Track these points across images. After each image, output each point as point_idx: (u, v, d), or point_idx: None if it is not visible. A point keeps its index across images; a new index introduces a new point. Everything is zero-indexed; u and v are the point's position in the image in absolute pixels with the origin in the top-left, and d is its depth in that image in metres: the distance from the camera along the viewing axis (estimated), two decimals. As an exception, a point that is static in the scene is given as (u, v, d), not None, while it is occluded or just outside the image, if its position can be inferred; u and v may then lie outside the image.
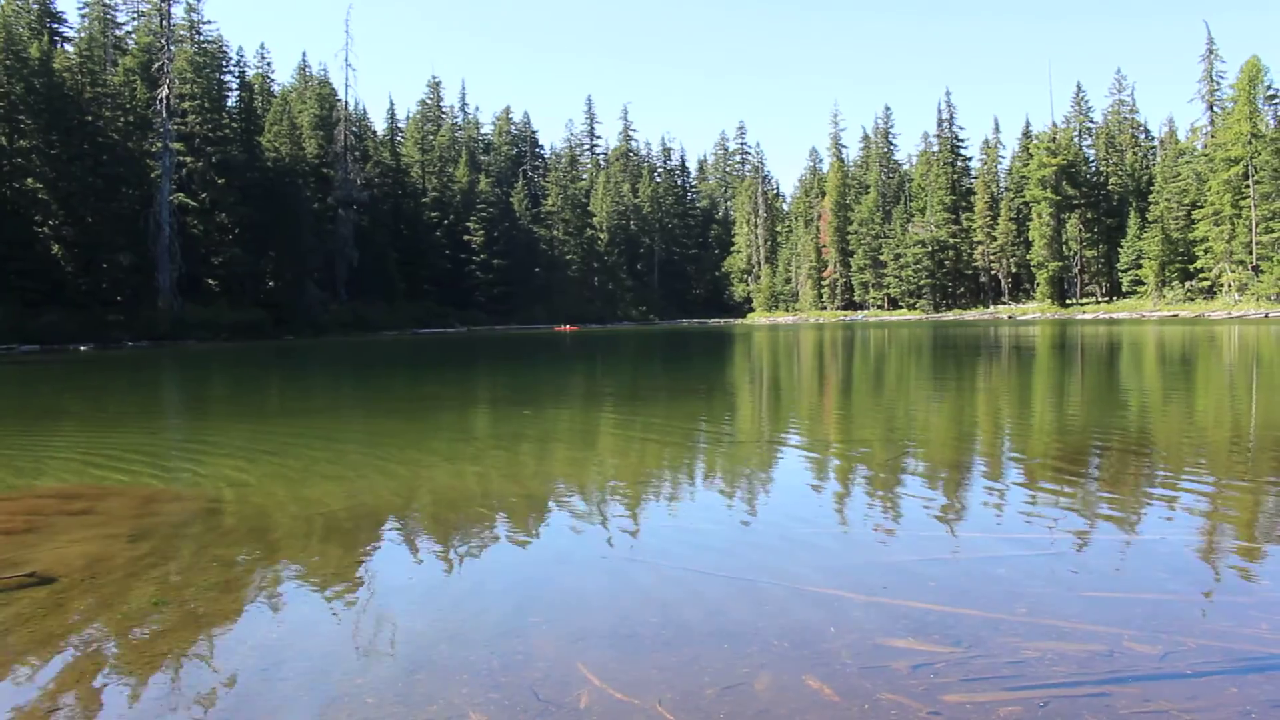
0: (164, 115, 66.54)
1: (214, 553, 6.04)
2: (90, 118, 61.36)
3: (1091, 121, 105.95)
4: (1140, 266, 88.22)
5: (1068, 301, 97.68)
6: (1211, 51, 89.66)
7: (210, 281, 70.00)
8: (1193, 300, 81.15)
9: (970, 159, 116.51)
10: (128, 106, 65.74)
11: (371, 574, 5.58)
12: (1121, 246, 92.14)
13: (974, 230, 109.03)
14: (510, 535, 6.53)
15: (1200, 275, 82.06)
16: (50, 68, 59.76)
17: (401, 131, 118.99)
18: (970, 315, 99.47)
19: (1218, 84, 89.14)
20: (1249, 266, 76.69)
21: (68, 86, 60.45)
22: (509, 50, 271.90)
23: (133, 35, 76.74)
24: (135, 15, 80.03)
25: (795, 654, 4.02)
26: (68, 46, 70.07)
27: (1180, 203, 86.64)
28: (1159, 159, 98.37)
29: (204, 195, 69.21)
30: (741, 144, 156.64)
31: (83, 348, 50.02)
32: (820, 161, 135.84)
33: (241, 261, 69.74)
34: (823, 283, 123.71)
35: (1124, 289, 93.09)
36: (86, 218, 58.80)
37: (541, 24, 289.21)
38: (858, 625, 4.37)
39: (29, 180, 58.10)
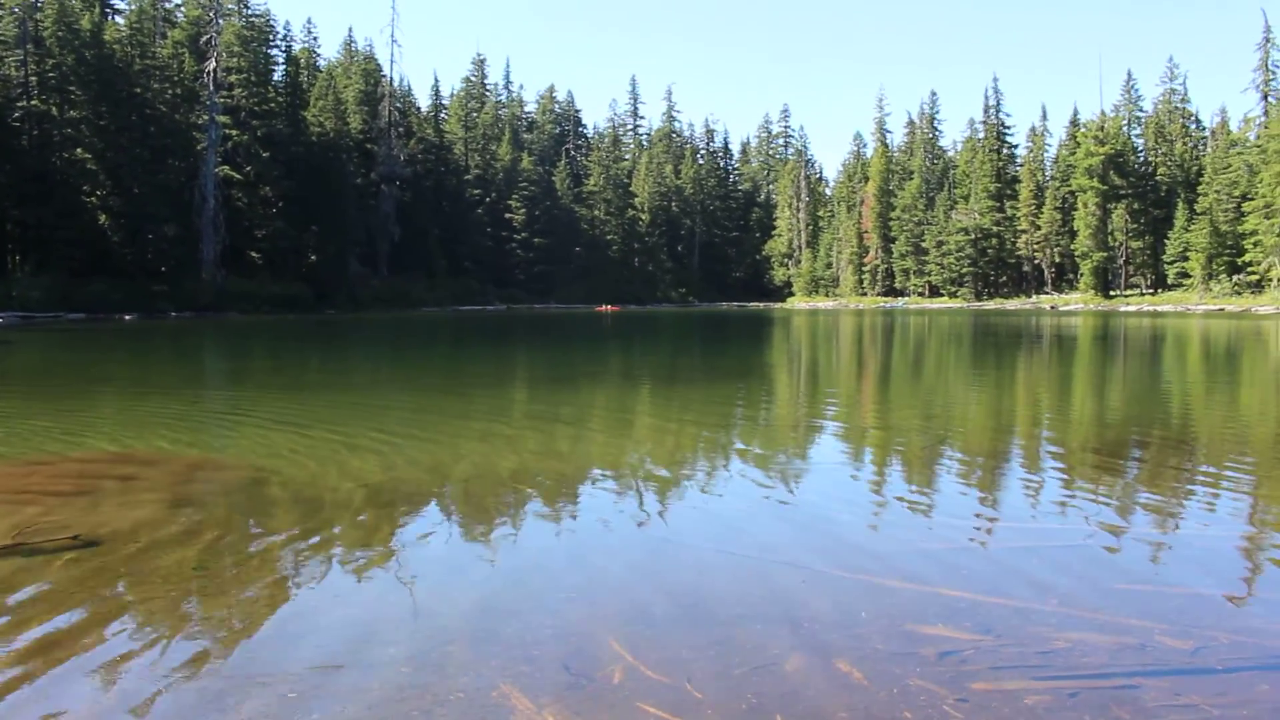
0: (211, 88, 67.16)
1: (255, 520, 6.17)
2: (139, 90, 62.07)
3: (1141, 111, 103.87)
4: (1187, 259, 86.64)
5: (1111, 293, 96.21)
6: (1268, 40, 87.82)
7: (253, 254, 70.77)
8: (1240, 294, 79.56)
9: (1016, 146, 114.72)
10: (175, 79, 66.44)
11: (408, 546, 5.66)
12: (1168, 238, 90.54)
13: (1018, 219, 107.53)
14: (544, 512, 6.60)
15: (1249, 269, 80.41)
16: (101, 40, 60.49)
17: (445, 108, 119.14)
18: (1012, 304, 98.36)
19: (1274, 73, 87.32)
20: (1299, 262, 75.14)
21: (117, 58, 61.15)
22: (554, 29, 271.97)
23: (181, 8, 77.43)
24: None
25: (826, 637, 4.04)
26: (118, 19, 70.93)
27: (1230, 194, 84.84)
28: (1209, 150, 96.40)
29: (249, 168, 69.89)
30: (785, 127, 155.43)
31: (127, 317, 50.84)
32: (864, 146, 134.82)
33: (284, 235, 70.43)
34: (864, 268, 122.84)
35: (1169, 281, 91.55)
36: (133, 189, 59.59)
37: (587, 3, 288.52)
38: (889, 610, 4.39)
39: (78, 150, 58.98)
